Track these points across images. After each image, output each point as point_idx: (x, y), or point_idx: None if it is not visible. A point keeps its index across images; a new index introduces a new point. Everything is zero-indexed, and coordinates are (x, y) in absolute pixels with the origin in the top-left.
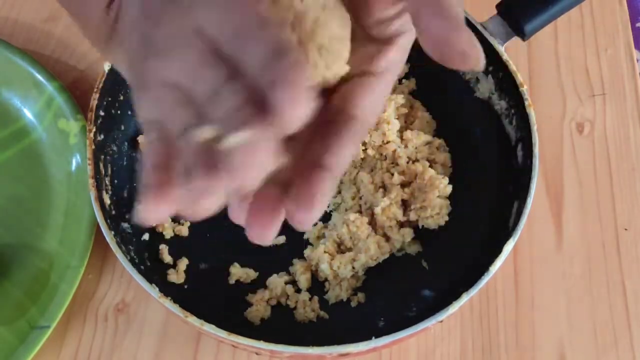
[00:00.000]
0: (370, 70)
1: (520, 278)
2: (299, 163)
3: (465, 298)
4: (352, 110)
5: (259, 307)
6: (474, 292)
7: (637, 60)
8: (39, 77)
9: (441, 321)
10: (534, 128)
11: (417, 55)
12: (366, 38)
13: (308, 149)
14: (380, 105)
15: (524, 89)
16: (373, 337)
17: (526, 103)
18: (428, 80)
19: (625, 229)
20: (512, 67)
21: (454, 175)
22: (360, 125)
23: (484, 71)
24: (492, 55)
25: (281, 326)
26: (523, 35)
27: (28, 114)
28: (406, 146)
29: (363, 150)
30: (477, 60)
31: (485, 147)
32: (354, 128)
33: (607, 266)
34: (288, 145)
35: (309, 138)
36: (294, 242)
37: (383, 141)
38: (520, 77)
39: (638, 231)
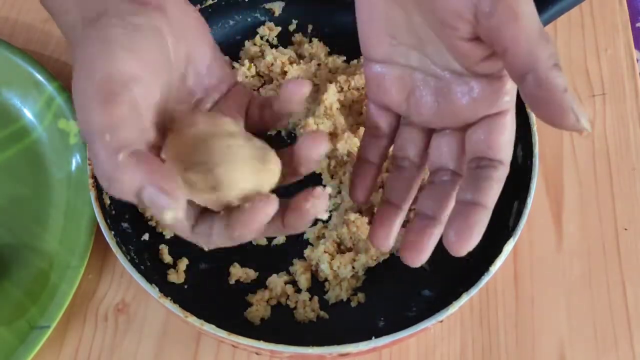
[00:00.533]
0: (498, 110)
1: (520, 278)
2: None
3: (465, 298)
4: (495, 156)
5: (259, 307)
6: (474, 292)
7: (637, 60)
8: (39, 77)
9: (441, 321)
10: (534, 128)
11: None
12: (471, 73)
13: (463, 190)
14: (513, 136)
15: None
16: (373, 337)
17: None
18: None
19: (625, 229)
20: None
21: None
22: (504, 169)
23: None
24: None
25: (281, 326)
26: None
27: (28, 114)
28: None
29: None
30: (572, 127)
31: None
32: (500, 174)
33: (607, 266)
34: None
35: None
36: (294, 242)
37: None
38: None
39: (638, 231)
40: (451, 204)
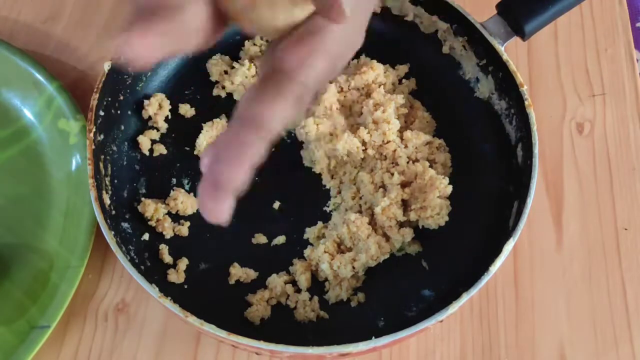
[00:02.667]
0: (308, 29)
1: (520, 278)
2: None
3: (465, 298)
4: (282, 64)
5: (259, 307)
6: (474, 292)
7: (637, 60)
8: (39, 77)
9: (441, 321)
10: (534, 128)
11: (417, 55)
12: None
13: (239, 108)
14: (318, 63)
15: (524, 89)
16: (373, 337)
17: (526, 103)
18: (428, 80)
19: (625, 229)
20: (512, 67)
21: (454, 176)
22: (287, 78)
23: (484, 71)
24: (492, 55)
25: (281, 326)
26: (523, 35)
27: (28, 114)
28: (406, 146)
29: (363, 150)
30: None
31: (486, 147)
32: (279, 81)
33: (607, 266)
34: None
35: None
36: (294, 242)
37: (383, 141)
38: (520, 77)
39: (638, 231)
40: None
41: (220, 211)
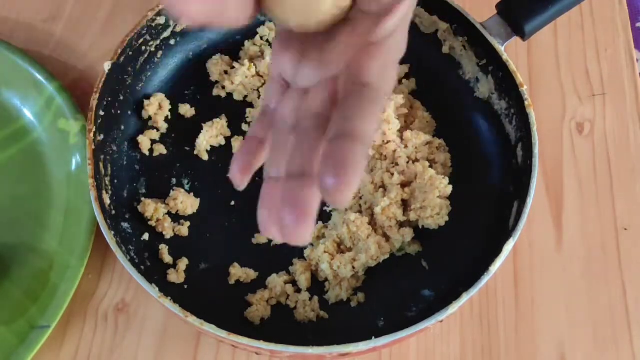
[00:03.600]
0: (371, 41)
1: (520, 278)
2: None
3: (465, 298)
4: (363, 79)
5: (258, 307)
6: (474, 292)
7: (637, 60)
8: (39, 77)
9: (441, 321)
10: (534, 128)
11: (417, 55)
12: (362, 15)
13: (331, 126)
14: (390, 72)
15: (524, 89)
16: (373, 337)
17: (526, 103)
18: (428, 80)
19: (625, 229)
20: (512, 67)
21: (454, 176)
22: (375, 92)
23: (484, 71)
24: (492, 55)
25: (281, 326)
26: (523, 35)
27: (28, 114)
28: (406, 146)
29: None
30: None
31: (486, 147)
32: (369, 95)
33: (607, 266)
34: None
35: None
36: None
37: (383, 141)
38: (520, 77)
39: (638, 231)
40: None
41: (307, 233)
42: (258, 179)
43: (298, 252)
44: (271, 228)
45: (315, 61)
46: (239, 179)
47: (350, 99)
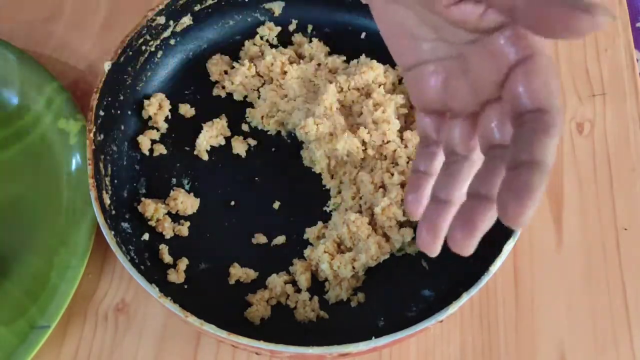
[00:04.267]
0: (522, 56)
1: (520, 278)
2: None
3: (465, 298)
4: (530, 106)
5: (258, 307)
6: (474, 292)
7: (637, 60)
8: (39, 77)
9: (441, 321)
10: None
11: None
12: (494, 34)
13: (511, 155)
14: (554, 80)
15: None
16: (373, 337)
17: None
18: None
19: (625, 229)
20: None
21: None
22: (547, 113)
23: None
24: None
25: (281, 326)
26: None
27: (28, 114)
28: (406, 146)
29: (363, 150)
30: (585, 26)
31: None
32: (542, 119)
33: (607, 266)
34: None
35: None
36: (294, 242)
37: (383, 141)
38: None
39: (638, 231)
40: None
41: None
42: (257, 179)
43: (298, 252)
44: (432, 245)
45: (463, 82)
46: (418, 212)
47: (526, 128)
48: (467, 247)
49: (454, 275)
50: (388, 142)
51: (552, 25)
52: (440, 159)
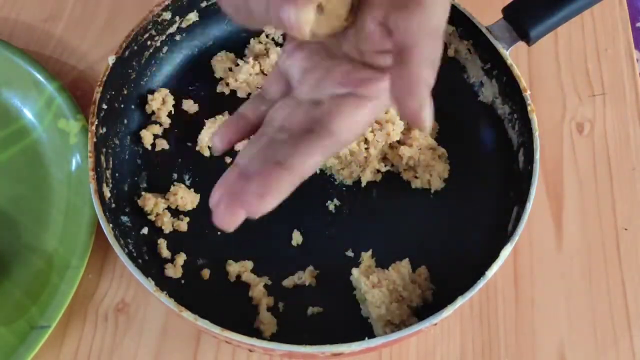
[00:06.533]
0: (361, 94)
1: (520, 278)
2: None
3: (459, 302)
4: (331, 126)
5: (256, 303)
6: (468, 296)
7: (637, 60)
8: (39, 77)
9: (435, 324)
10: (536, 134)
11: None
12: (362, 63)
13: (280, 147)
14: (361, 128)
15: (527, 94)
16: (366, 338)
17: (529, 108)
18: None
19: (625, 229)
20: (516, 71)
21: (455, 178)
22: (334, 141)
23: (489, 75)
24: (496, 59)
25: (278, 323)
26: (528, 40)
27: (28, 114)
28: (411, 145)
29: (365, 149)
30: (421, 124)
31: (487, 151)
32: (326, 142)
33: (607, 266)
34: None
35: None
36: (293, 239)
37: (386, 141)
38: (523, 82)
39: (638, 231)
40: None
41: (231, 221)
42: None
43: (296, 249)
44: (220, 205)
45: (317, 78)
46: (219, 147)
47: (307, 135)
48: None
49: (451, 277)
50: (392, 142)
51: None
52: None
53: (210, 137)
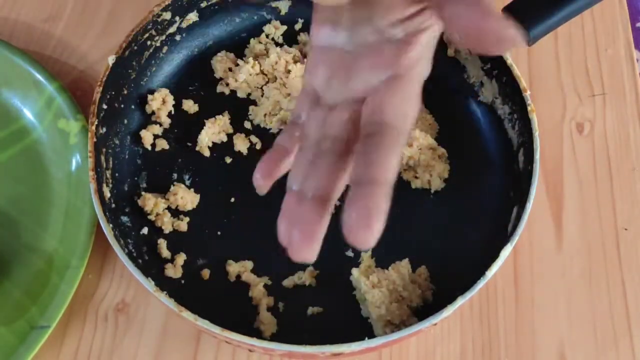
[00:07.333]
0: (396, 72)
1: (520, 278)
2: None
3: (459, 302)
4: (383, 119)
5: (256, 303)
6: (468, 296)
7: (637, 60)
8: (39, 77)
9: (435, 324)
10: (536, 134)
11: None
12: (388, 43)
13: (329, 156)
14: (412, 106)
15: (527, 94)
16: (366, 338)
17: (529, 108)
18: (432, 82)
19: (625, 229)
20: (516, 71)
21: (455, 178)
22: (395, 131)
23: (489, 75)
24: (496, 59)
25: (278, 323)
26: (528, 41)
27: (28, 114)
28: (411, 145)
29: None
30: (512, 42)
31: (487, 151)
32: (389, 135)
33: (607, 266)
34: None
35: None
36: None
37: None
38: (523, 82)
39: (638, 231)
40: (338, 176)
41: (310, 253)
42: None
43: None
44: (294, 238)
45: (342, 78)
46: (262, 184)
47: (371, 140)
48: (305, 254)
49: (451, 278)
50: None
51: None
52: (319, 111)
53: (208, 138)
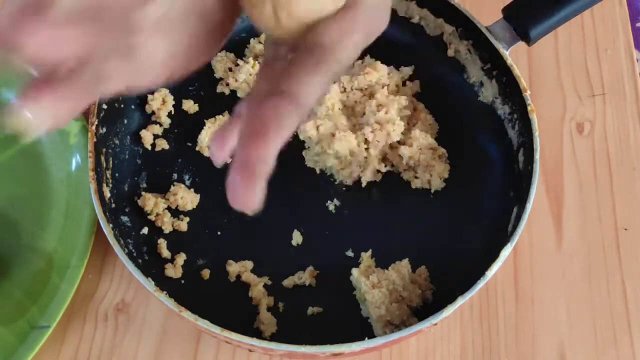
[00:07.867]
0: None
1: (520, 278)
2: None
3: (459, 302)
4: (317, 38)
5: (256, 303)
6: (468, 296)
7: (637, 60)
8: None
9: (435, 324)
10: (536, 134)
11: (422, 58)
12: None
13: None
14: (350, 38)
15: (527, 95)
16: (366, 338)
17: (529, 108)
18: (432, 82)
19: (625, 229)
20: (516, 71)
21: (455, 178)
22: (327, 53)
23: (489, 75)
24: (496, 59)
25: (278, 323)
26: (528, 40)
27: None
28: (411, 145)
29: (365, 149)
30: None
31: (487, 151)
32: (318, 55)
33: (607, 266)
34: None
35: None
36: (293, 240)
37: (386, 141)
38: (523, 82)
39: (638, 231)
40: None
41: (252, 196)
42: None
43: (296, 249)
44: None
45: None
46: (216, 153)
47: (299, 59)
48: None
49: (451, 278)
50: (391, 142)
51: None
52: None
53: (209, 138)
